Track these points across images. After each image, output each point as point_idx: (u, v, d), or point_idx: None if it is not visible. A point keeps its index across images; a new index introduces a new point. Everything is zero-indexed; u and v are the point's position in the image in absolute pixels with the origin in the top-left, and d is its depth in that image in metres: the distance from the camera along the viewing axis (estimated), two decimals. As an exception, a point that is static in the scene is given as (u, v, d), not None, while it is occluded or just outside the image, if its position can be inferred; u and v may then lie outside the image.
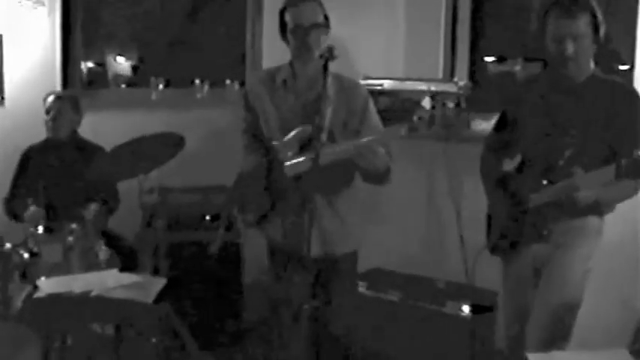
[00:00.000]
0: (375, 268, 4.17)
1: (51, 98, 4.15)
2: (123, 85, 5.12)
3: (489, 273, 3.16)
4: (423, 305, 3.84)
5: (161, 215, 4.10)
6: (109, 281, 3.05)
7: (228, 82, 5.08)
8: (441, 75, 4.45)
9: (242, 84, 5.01)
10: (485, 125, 3.34)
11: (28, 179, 4.12)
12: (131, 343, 2.98)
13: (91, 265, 3.34)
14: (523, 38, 4.40)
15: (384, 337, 3.92)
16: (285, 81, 3.02)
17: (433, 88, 4.11)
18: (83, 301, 2.86)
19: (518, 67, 4.35)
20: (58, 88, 4.54)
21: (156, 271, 3.86)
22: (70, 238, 3.35)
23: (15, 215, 3.99)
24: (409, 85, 4.25)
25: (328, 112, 2.84)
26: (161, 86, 4.96)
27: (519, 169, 3.00)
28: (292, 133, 2.87)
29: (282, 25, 2.98)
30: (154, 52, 5.15)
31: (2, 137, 4.37)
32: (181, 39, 5.17)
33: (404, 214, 4.44)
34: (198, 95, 5.00)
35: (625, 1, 3.75)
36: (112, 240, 3.79)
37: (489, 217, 3.10)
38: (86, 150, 4.16)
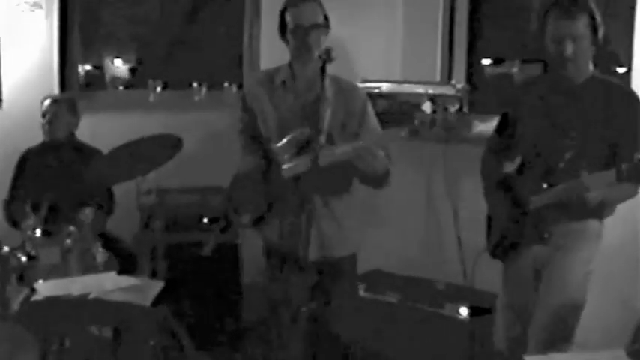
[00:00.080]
0: (374, 269, 4.17)
1: (47, 102, 4.14)
2: (120, 87, 5.11)
3: (489, 275, 3.16)
4: (422, 307, 3.84)
5: (159, 216, 4.10)
6: (106, 284, 3.04)
7: (226, 84, 5.08)
8: (438, 78, 4.46)
9: (240, 86, 5.00)
10: (483, 127, 3.33)
11: (26, 181, 4.12)
12: (129, 346, 2.97)
13: (88, 267, 3.33)
14: (521, 40, 4.40)
15: (383, 339, 3.91)
16: (284, 81, 3.01)
17: (431, 91, 4.12)
18: (81, 303, 2.85)
19: (515, 69, 4.35)
20: (56, 90, 4.53)
21: (154, 274, 3.85)
22: (68, 241, 3.34)
23: (14, 222, 3.99)
24: (407, 88, 4.25)
25: (327, 113, 2.83)
26: (159, 88, 4.95)
27: (519, 170, 3.00)
28: (290, 136, 2.87)
29: (282, 26, 2.98)
30: (152, 53, 5.14)
31: (0, 139, 4.36)
32: (181, 39, 5.16)
33: (403, 216, 4.44)
34: (196, 97, 5.00)
35: (623, 4, 3.76)
36: (109, 242, 3.78)
37: (489, 220, 3.10)
38: (84, 152, 4.15)
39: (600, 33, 2.76)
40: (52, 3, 4.50)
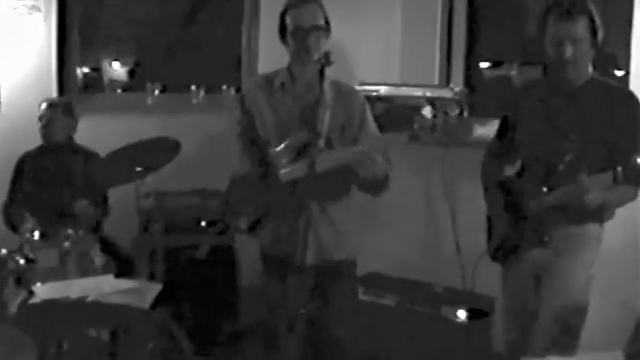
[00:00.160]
0: (372, 272, 4.17)
1: (43, 105, 4.13)
2: (119, 90, 5.10)
3: (488, 278, 3.16)
4: (420, 310, 3.84)
5: (157, 220, 4.09)
6: (105, 287, 3.03)
7: (224, 87, 5.07)
8: (437, 81, 4.46)
9: (238, 90, 5.00)
10: (483, 131, 3.33)
11: (24, 184, 4.11)
12: (127, 349, 2.96)
13: (87, 270, 3.33)
14: (519, 42, 4.39)
15: (382, 342, 3.91)
16: (283, 84, 3.00)
17: (429, 94, 4.11)
18: (79, 306, 2.84)
19: (514, 72, 4.35)
20: (54, 93, 4.53)
21: (152, 277, 3.85)
22: (66, 244, 3.34)
23: (12, 225, 3.98)
24: (405, 91, 4.25)
25: (326, 116, 2.81)
26: (157, 91, 4.95)
27: (519, 173, 3.00)
28: (288, 140, 2.85)
29: (282, 28, 2.96)
30: (150, 55, 5.14)
31: (-2, 142, 4.36)
32: (179, 41, 5.16)
33: (402, 219, 4.43)
34: (194, 100, 5.00)
35: (621, 7, 3.76)
36: (107, 245, 3.78)
37: (489, 223, 3.10)
38: (82, 155, 4.15)
39: (600, 35, 2.76)
40: (50, 6, 4.50)
